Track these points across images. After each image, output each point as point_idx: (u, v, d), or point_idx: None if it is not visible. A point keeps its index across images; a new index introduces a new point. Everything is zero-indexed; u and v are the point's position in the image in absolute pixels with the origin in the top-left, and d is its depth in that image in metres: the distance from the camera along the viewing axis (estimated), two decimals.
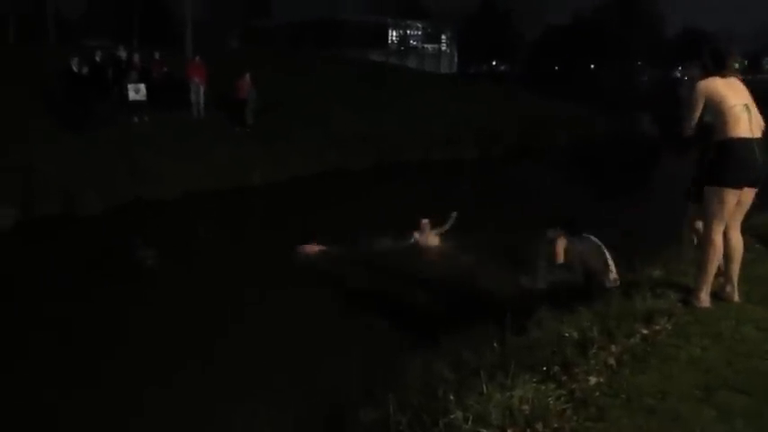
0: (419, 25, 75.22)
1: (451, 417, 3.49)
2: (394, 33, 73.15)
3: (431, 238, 9.72)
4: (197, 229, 11.79)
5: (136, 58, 16.03)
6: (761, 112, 4.68)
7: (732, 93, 4.60)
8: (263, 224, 11.91)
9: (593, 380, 3.78)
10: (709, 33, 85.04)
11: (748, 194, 4.71)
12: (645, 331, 4.46)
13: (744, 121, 4.54)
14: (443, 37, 78.10)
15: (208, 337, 6.79)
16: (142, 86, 15.30)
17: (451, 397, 3.78)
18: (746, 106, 4.61)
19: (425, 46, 76.10)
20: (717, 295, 4.99)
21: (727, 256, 4.87)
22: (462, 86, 30.62)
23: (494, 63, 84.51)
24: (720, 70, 4.65)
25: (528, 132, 23.20)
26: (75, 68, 14.31)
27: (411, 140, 19.50)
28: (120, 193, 12.73)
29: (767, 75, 74.31)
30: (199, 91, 16.98)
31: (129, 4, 51.44)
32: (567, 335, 4.49)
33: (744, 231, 6.30)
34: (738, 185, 4.62)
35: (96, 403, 5.50)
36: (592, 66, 76.13)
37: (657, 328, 4.52)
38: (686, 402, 3.51)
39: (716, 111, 4.59)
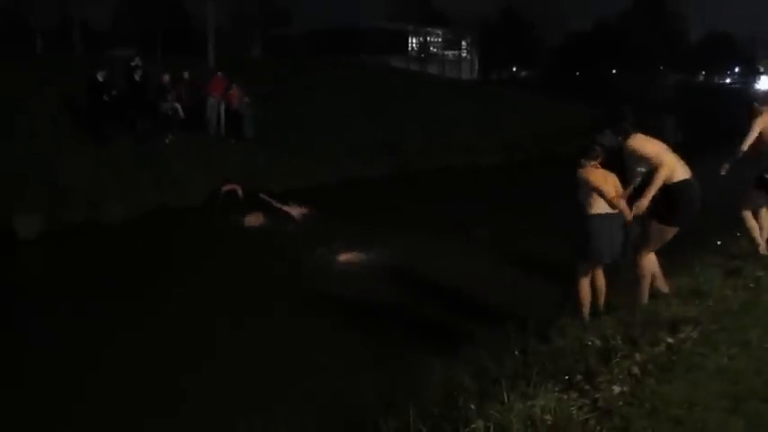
0: (440, 32, 75.21)
1: (472, 426, 3.46)
2: (414, 40, 73.21)
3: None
4: (216, 236, 11.89)
5: (166, 78, 15.82)
6: None
7: (652, 143, 5.04)
8: (275, 230, 11.91)
9: (616, 389, 3.73)
10: (734, 38, 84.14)
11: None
12: (670, 340, 4.40)
13: (678, 163, 4.98)
14: (464, 43, 78.01)
15: (220, 347, 6.76)
16: (178, 105, 15.45)
17: (472, 406, 3.75)
18: (669, 150, 5.04)
19: (446, 53, 76.05)
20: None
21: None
22: (483, 93, 30.52)
23: (514, 69, 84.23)
24: (634, 129, 5.05)
25: (550, 138, 23.03)
26: (100, 79, 14.38)
27: (431, 147, 19.45)
28: (145, 201, 12.85)
29: None
30: (220, 105, 17.03)
31: (153, 15, 52.19)
32: (589, 343, 4.44)
33: None
34: (683, 224, 5.09)
35: (107, 412, 5.51)
36: (614, 71, 75.55)
37: (683, 336, 4.46)
38: (714, 413, 3.44)
39: (652, 161, 4.90)
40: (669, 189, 4.90)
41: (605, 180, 5.02)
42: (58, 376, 6.11)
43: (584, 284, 5.30)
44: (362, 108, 20.56)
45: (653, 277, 5.37)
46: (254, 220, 12.19)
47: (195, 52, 32.22)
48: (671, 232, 5.09)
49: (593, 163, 5.11)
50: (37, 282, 9.29)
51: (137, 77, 15.02)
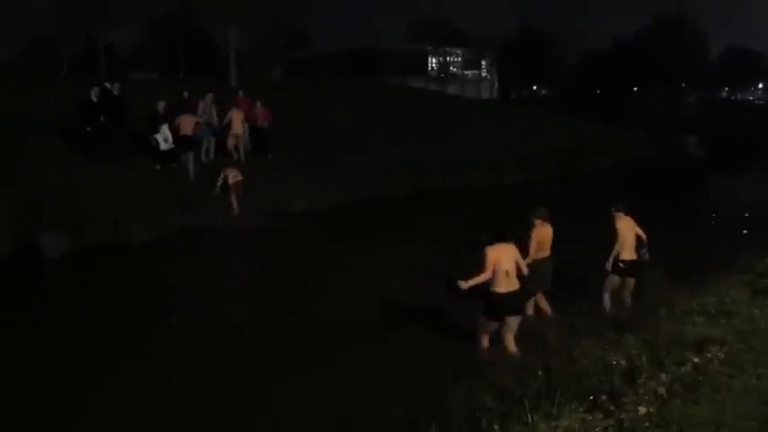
0: (459, 52, 75.49)
1: None
2: (434, 60, 73.58)
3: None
4: (237, 257, 12.03)
5: (161, 106, 15.15)
6: None
7: (496, 253, 6.43)
8: (301, 249, 11.99)
9: (642, 410, 3.68)
10: (757, 54, 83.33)
11: None
12: (696, 359, 4.34)
13: (504, 278, 6.41)
14: (483, 63, 78.23)
15: (241, 363, 6.77)
16: (159, 138, 14.81)
17: (496, 427, 3.72)
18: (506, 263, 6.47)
19: (465, 72, 76.33)
20: None
21: None
22: (503, 112, 30.53)
23: (534, 88, 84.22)
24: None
25: (570, 156, 22.96)
26: (94, 99, 14.26)
27: (452, 166, 19.46)
28: (167, 221, 12.93)
29: None
30: (244, 124, 17.16)
31: (176, 39, 53.19)
32: (614, 363, 4.39)
33: None
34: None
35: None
36: (635, 89, 75.19)
37: (709, 356, 4.40)
38: None
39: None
40: (489, 294, 6.44)
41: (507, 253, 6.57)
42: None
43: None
44: (383, 128, 20.66)
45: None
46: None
47: (217, 75, 32.71)
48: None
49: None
50: (57, 299, 9.42)
51: (115, 92, 14.91)
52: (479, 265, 6.37)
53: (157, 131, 14.85)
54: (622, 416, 3.61)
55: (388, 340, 7.26)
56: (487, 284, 6.44)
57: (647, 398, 3.81)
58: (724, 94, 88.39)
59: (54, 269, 10.77)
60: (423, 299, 8.51)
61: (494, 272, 6.34)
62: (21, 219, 11.50)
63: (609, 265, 7.57)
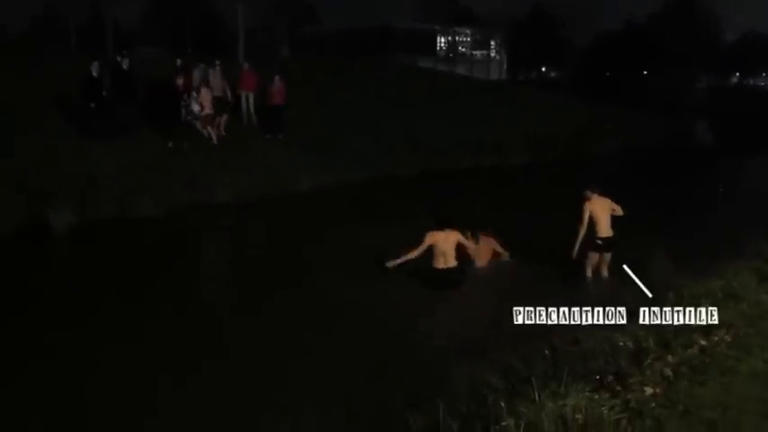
0: (468, 32, 74.96)
1: (503, 424, 3.45)
2: (442, 40, 73.10)
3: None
4: (243, 233, 12.09)
5: (180, 83, 14.96)
6: None
7: (434, 238, 8.03)
8: (306, 226, 12.00)
9: (648, 390, 3.70)
10: None
11: None
12: (703, 342, 4.36)
13: (442, 255, 8.01)
14: (492, 44, 77.64)
15: (241, 344, 6.70)
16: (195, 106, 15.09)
17: (502, 404, 3.73)
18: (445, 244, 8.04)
19: (474, 53, 75.79)
20: None
21: None
22: (511, 93, 30.37)
23: (543, 70, 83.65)
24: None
25: (578, 139, 22.88)
26: (94, 74, 13.95)
27: (460, 147, 19.42)
28: (174, 197, 12.93)
29: None
30: (249, 99, 17.14)
31: (183, 14, 52.93)
32: (621, 344, 4.41)
33: None
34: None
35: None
36: (645, 72, 74.55)
37: (716, 339, 4.41)
38: (749, 416, 3.40)
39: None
40: (429, 268, 7.98)
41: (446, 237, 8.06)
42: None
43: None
44: (390, 107, 20.59)
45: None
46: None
47: (224, 51, 32.51)
48: None
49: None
50: (61, 274, 9.50)
51: (125, 66, 14.72)
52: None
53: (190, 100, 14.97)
54: (629, 396, 3.64)
55: (389, 317, 7.26)
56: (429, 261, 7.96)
57: (653, 379, 3.83)
58: (735, 80, 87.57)
59: (61, 244, 10.83)
60: (423, 275, 8.50)
61: (434, 251, 7.89)
62: (28, 194, 11.52)
63: (575, 253, 8.31)
